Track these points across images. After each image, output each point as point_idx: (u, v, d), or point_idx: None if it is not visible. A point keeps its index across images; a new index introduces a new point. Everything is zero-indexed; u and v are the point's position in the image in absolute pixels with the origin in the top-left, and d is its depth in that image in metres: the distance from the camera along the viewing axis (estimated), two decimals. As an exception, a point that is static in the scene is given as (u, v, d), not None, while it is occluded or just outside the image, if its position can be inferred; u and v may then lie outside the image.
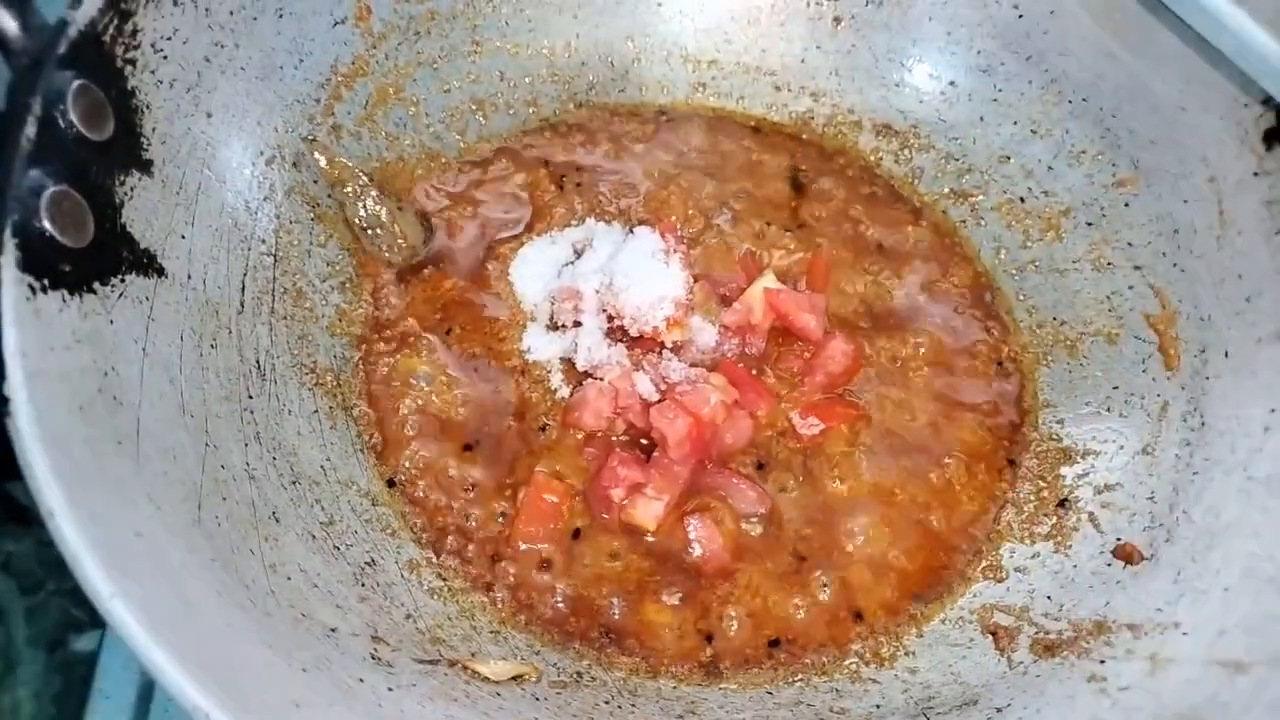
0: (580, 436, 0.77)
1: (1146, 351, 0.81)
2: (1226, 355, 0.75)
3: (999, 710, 0.64)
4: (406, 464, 0.75)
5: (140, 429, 0.59)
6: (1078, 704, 0.62)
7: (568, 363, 0.82)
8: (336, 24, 0.85)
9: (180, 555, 0.55)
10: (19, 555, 1.01)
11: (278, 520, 0.65)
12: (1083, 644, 0.67)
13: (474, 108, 0.94)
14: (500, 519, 0.74)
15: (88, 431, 0.54)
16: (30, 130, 0.58)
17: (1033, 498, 0.78)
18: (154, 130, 0.68)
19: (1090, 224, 0.88)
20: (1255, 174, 0.76)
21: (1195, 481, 0.72)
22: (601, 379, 0.78)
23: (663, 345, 0.80)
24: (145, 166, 0.67)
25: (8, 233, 0.54)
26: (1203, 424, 0.74)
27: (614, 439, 0.77)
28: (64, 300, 0.57)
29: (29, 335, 0.53)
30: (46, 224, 0.57)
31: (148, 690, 0.76)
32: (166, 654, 0.47)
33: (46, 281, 0.56)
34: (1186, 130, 0.81)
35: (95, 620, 0.94)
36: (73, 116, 0.61)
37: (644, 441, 0.77)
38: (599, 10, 0.98)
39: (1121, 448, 0.78)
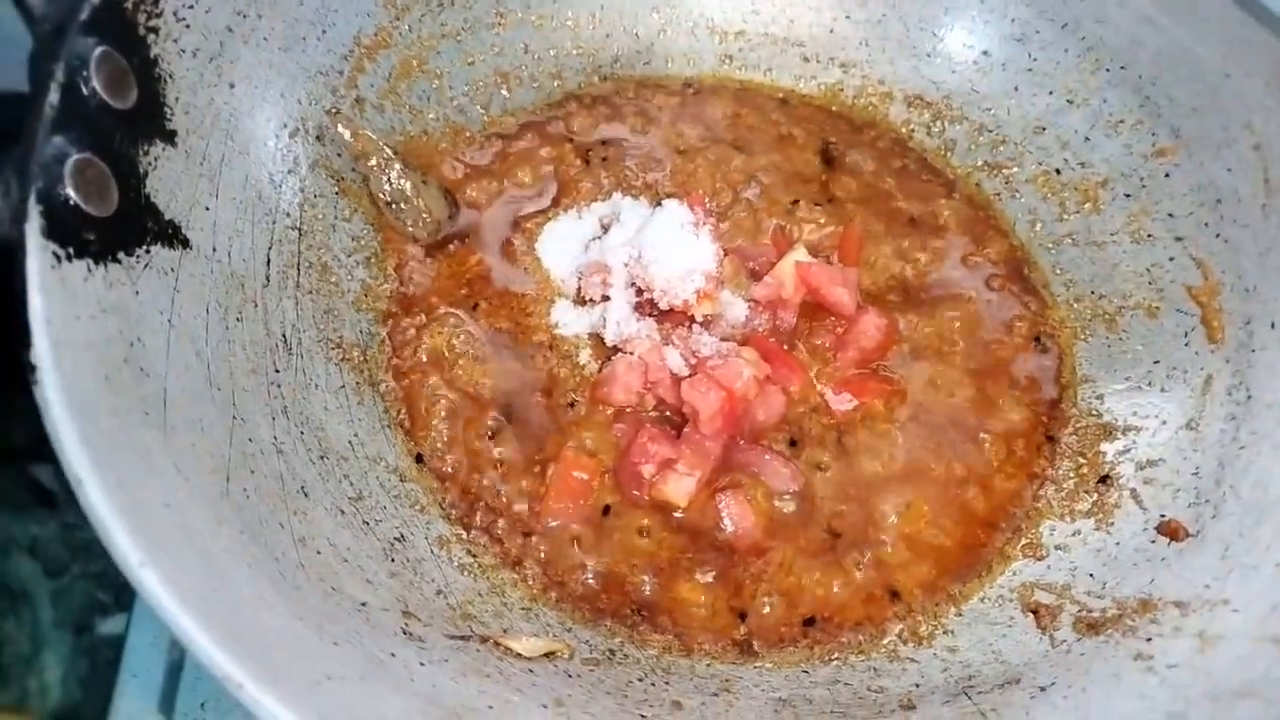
0: (610, 412, 0.76)
1: (1189, 324, 0.79)
2: (1273, 327, 0.73)
3: (1042, 689, 0.62)
4: (434, 440, 0.74)
5: (167, 400, 0.58)
6: (1124, 682, 0.61)
7: (596, 338, 0.80)
8: (360, -6, 0.84)
9: (209, 527, 0.54)
10: (44, 539, 1.01)
11: (306, 494, 0.64)
12: (1128, 622, 0.65)
13: (498, 80, 0.93)
14: (529, 495, 0.73)
15: (114, 401, 0.53)
16: (54, 97, 0.57)
17: (1073, 474, 0.77)
18: (177, 100, 0.67)
19: (1129, 195, 0.86)
20: (1303, 140, 0.74)
21: (1242, 456, 0.70)
22: (631, 353, 0.77)
23: (692, 319, 0.79)
24: (169, 136, 0.66)
25: (32, 199, 0.53)
26: (1249, 397, 0.72)
27: (644, 414, 0.76)
28: (89, 269, 0.56)
29: (54, 303, 0.52)
30: (71, 191, 0.56)
31: (176, 668, 0.75)
32: (197, 623, 0.46)
33: (71, 250, 0.55)
34: (1230, 96, 0.79)
35: (121, 603, 0.94)
36: (96, 84, 0.60)
37: (673, 417, 0.76)
38: (624, -19, 0.96)
39: (1164, 423, 0.76)
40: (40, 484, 1.03)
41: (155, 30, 0.66)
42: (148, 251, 0.62)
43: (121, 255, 0.59)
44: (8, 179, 0.55)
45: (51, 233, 0.53)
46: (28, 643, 0.97)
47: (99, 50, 0.60)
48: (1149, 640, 0.63)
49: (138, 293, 0.59)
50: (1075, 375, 0.82)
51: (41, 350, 0.50)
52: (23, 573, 1.00)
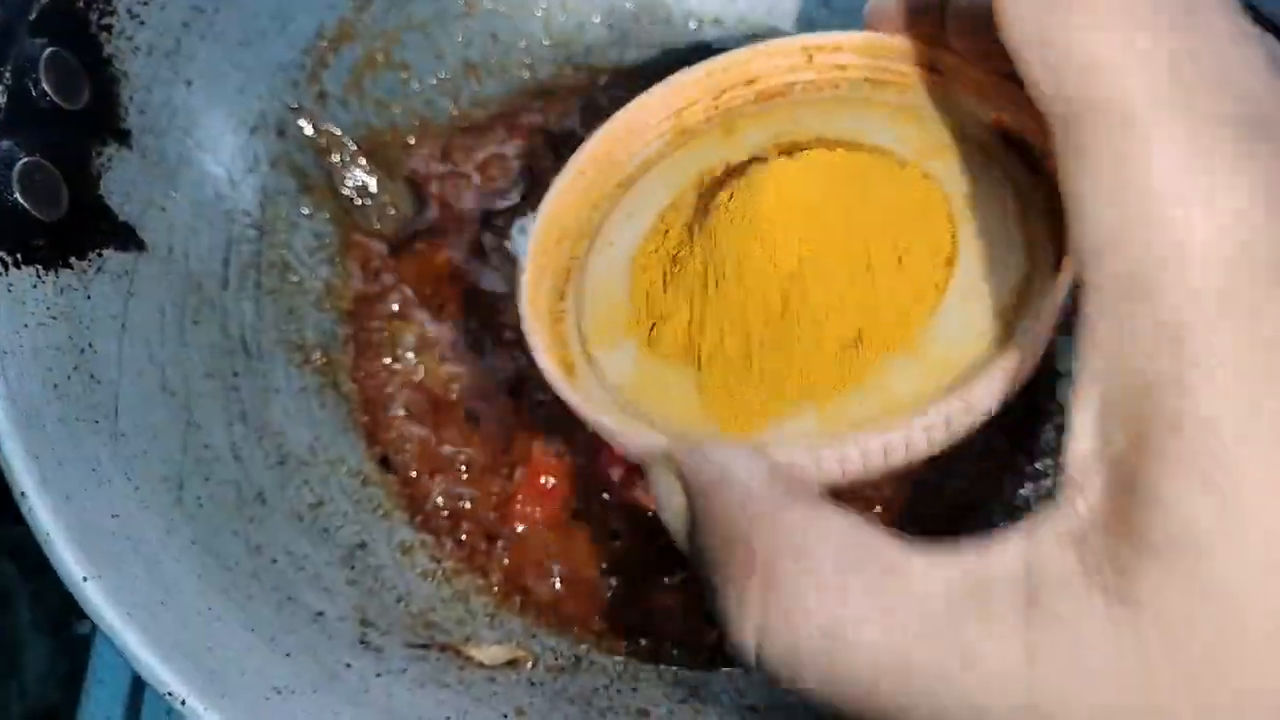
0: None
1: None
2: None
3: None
4: (398, 442, 0.73)
5: (119, 407, 0.57)
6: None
7: (566, 336, 0.79)
8: (322, -14, 0.82)
9: (159, 536, 0.53)
10: (22, 540, 1.01)
11: (264, 501, 0.63)
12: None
13: (467, 72, 0.91)
14: (496, 498, 0.72)
15: (62, 410, 0.53)
16: (0, 100, 0.57)
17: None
18: (131, 99, 0.66)
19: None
20: None
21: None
22: (600, 352, 0.76)
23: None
24: (123, 137, 0.66)
25: (-25, 206, 0.53)
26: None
27: (613, 414, 0.75)
28: (39, 275, 0.56)
29: (1, 312, 0.52)
30: (18, 196, 0.55)
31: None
32: (140, 638, 0.46)
33: (19, 256, 0.55)
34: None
35: (98, 604, 0.94)
36: (45, 85, 0.59)
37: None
38: (597, -31, 0.95)
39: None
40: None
41: (108, 28, 0.65)
42: (100, 255, 0.61)
43: (73, 260, 0.59)
44: (-49, 185, 0.55)
45: (-2, 240, 0.52)
46: (6, 644, 0.97)
47: (49, 51, 0.60)
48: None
49: (89, 298, 0.59)
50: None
51: (-14, 361, 0.50)
52: (1, 573, 1.00)
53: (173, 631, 0.48)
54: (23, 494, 0.49)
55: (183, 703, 0.45)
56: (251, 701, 0.48)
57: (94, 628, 0.81)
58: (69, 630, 0.99)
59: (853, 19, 0.94)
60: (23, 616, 1.00)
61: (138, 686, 0.75)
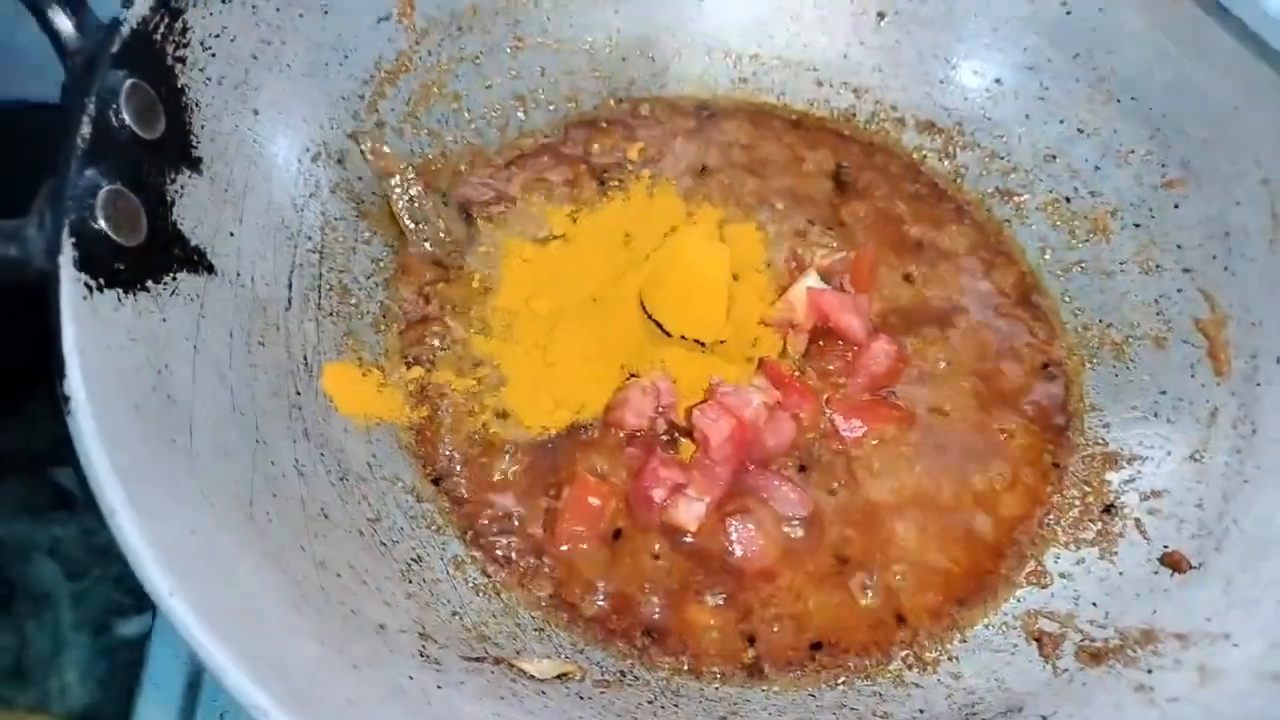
0: (622, 435, 0.77)
1: (1195, 356, 0.80)
2: (1278, 361, 0.74)
3: (1044, 718, 0.63)
4: (449, 462, 0.75)
5: (193, 426, 0.59)
6: (1125, 713, 0.62)
7: (609, 361, 0.81)
8: (380, 20, 0.85)
9: (234, 552, 0.55)
10: (66, 541, 1.02)
11: (327, 516, 0.65)
12: (1129, 652, 0.66)
13: (515, 103, 0.94)
14: (543, 517, 0.74)
15: (144, 429, 0.55)
16: (85, 130, 0.59)
17: (1078, 502, 0.78)
18: (203, 128, 0.69)
19: (1138, 225, 0.87)
20: (1311, 176, 0.75)
21: (1246, 489, 0.71)
22: (642, 378, 0.78)
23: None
24: (195, 164, 0.68)
25: (65, 232, 0.55)
26: (1254, 431, 0.73)
27: (656, 438, 0.77)
28: (119, 299, 0.57)
29: (86, 334, 0.53)
30: (102, 223, 0.57)
31: (196, 679, 0.77)
32: (226, 651, 0.47)
33: (102, 280, 0.56)
34: (1238, 131, 0.80)
35: (141, 605, 0.96)
36: (125, 116, 0.61)
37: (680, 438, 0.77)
38: (640, 5, 0.97)
39: (1169, 453, 0.77)
40: (61, 487, 1.05)
41: (183, 60, 0.67)
42: (174, 279, 0.63)
43: (150, 284, 0.61)
44: (42, 212, 0.57)
45: (84, 264, 0.55)
46: (49, 644, 0.98)
47: (129, 83, 0.62)
48: (1150, 672, 0.64)
49: (165, 320, 0.61)
50: (1083, 404, 0.83)
51: (75, 382, 0.51)
52: (44, 575, 1.01)
53: (253, 644, 0.49)
54: (112, 511, 0.50)
55: (266, 714, 0.46)
56: (328, 712, 0.49)
57: (148, 629, 0.83)
58: (111, 631, 1.00)
59: (886, 56, 0.98)
60: (65, 618, 1.01)
61: (192, 690, 0.77)
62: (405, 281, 0.83)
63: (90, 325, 0.54)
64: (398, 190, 0.81)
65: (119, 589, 1.00)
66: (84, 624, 1.00)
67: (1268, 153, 0.77)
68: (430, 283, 0.83)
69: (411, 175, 0.81)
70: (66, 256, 0.54)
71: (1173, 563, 0.70)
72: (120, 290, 0.58)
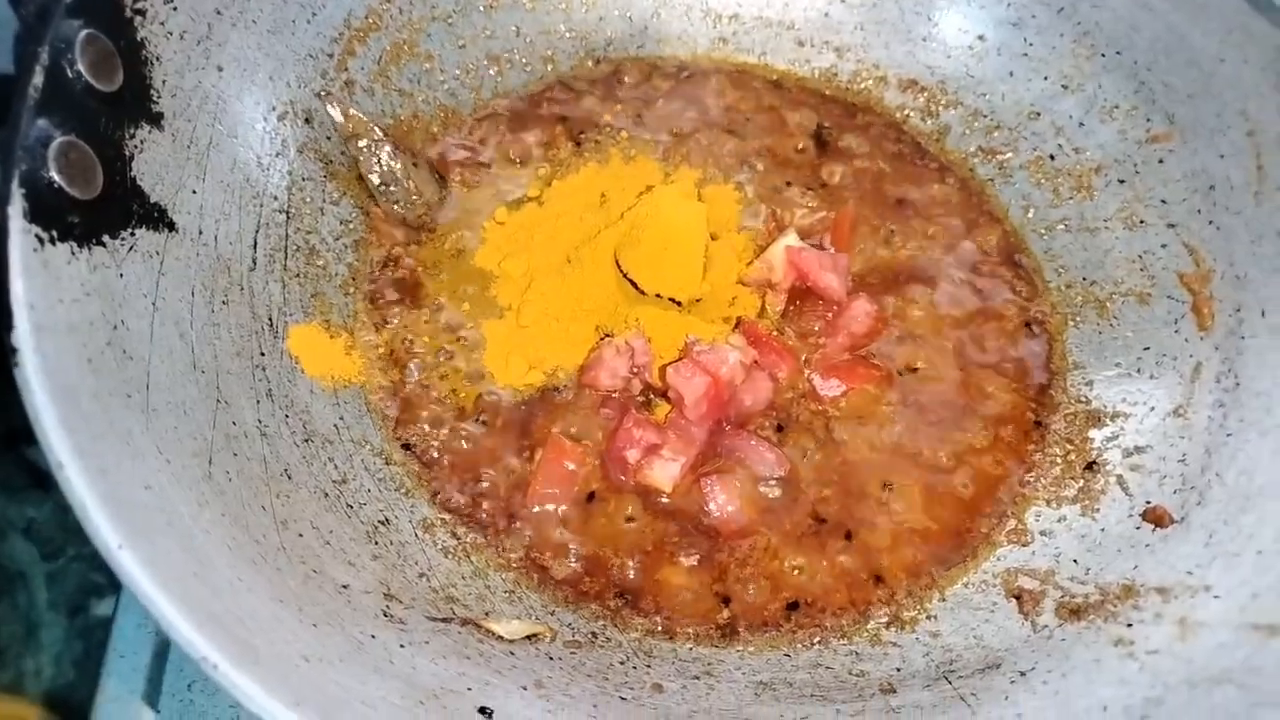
0: (597, 396, 0.76)
1: (1179, 311, 0.78)
2: (1263, 315, 0.73)
3: (1022, 674, 0.62)
4: (420, 424, 0.74)
5: (150, 383, 0.58)
6: (1104, 667, 0.61)
7: (584, 323, 0.80)
8: (350, -23, 0.83)
9: (190, 509, 0.54)
10: (40, 521, 1.01)
11: (289, 477, 0.64)
12: (1109, 608, 0.65)
13: (489, 64, 0.92)
14: (515, 479, 0.73)
15: (97, 384, 0.54)
16: (38, 79, 0.57)
17: (1060, 460, 0.77)
18: (164, 83, 0.67)
19: (1122, 181, 0.85)
20: (1297, 127, 0.73)
21: (1229, 443, 0.70)
22: (616, 338, 0.77)
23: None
24: (155, 119, 0.66)
25: (15, 183, 0.53)
26: (1237, 385, 0.72)
27: (630, 399, 0.76)
28: (72, 252, 0.56)
29: (37, 286, 0.52)
30: (54, 175, 0.56)
31: (163, 650, 0.76)
32: (174, 605, 0.46)
33: (55, 233, 0.55)
34: (1225, 83, 0.78)
35: (115, 584, 0.95)
36: (81, 66, 0.60)
37: (655, 399, 0.76)
38: (618, -37, 0.96)
39: (1152, 409, 0.76)
40: (36, 466, 1.03)
41: (142, 13, 0.66)
42: (133, 234, 0.62)
43: (106, 238, 0.59)
44: (-9, 163, 0.55)
45: (35, 216, 0.53)
46: (23, 624, 0.97)
47: (84, 33, 0.60)
48: (1130, 626, 0.63)
49: (122, 276, 0.60)
50: (1065, 361, 0.82)
51: (23, 334, 0.50)
52: (18, 555, 1.00)
53: (205, 600, 0.49)
54: (60, 464, 0.49)
55: (215, 668, 0.46)
56: (281, 669, 0.48)
57: (115, 606, 0.83)
58: (86, 611, 0.99)
59: (868, 14, 0.96)
60: (40, 597, 1.00)
61: (158, 661, 0.76)
62: (375, 243, 0.81)
63: (41, 277, 0.53)
64: (366, 151, 0.79)
65: (94, 568, 0.99)
66: (59, 604, 1.00)
67: (1254, 105, 0.76)
68: (401, 244, 0.82)
69: (379, 136, 0.79)
70: (16, 207, 0.53)
71: (1155, 518, 0.69)
72: (74, 243, 0.57)
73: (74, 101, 0.59)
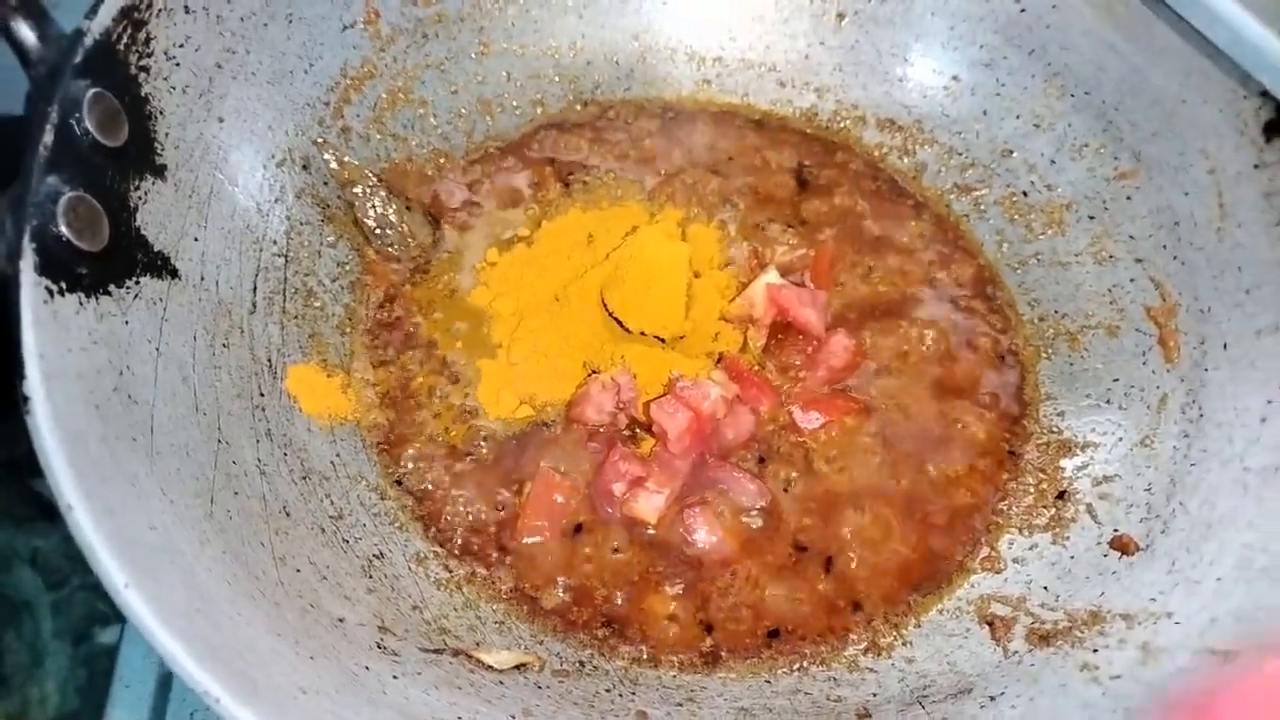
0: (585, 431, 0.79)
1: (1147, 344, 0.81)
2: (1225, 347, 0.76)
3: (992, 699, 0.65)
4: (413, 460, 0.77)
5: (154, 426, 0.61)
6: (1070, 692, 0.63)
7: (572, 359, 0.83)
8: (346, 28, 0.87)
9: (192, 548, 0.56)
10: (46, 551, 1.03)
11: (288, 514, 0.67)
12: (1077, 634, 0.68)
13: (481, 108, 0.96)
14: (505, 513, 0.75)
15: (104, 429, 0.56)
16: (48, 138, 0.60)
17: (1032, 489, 0.79)
18: (167, 136, 0.70)
19: (1092, 217, 0.88)
20: (1255, 166, 0.76)
21: (1192, 473, 0.73)
22: (603, 374, 0.80)
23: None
24: (159, 171, 0.69)
25: (26, 238, 0.56)
26: (1201, 415, 0.75)
27: (617, 433, 0.79)
28: (80, 302, 0.59)
29: (47, 336, 0.55)
30: (63, 229, 0.59)
31: (167, 679, 0.78)
32: (177, 641, 0.49)
33: (64, 284, 0.58)
34: (1187, 123, 0.81)
35: (119, 614, 0.96)
36: (88, 124, 0.63)
37: (640, 433, 0.79)
38: (604, 9, 0.99)
39: (1120, 439, 0.78)
40: (42, 497, 1.05)
41: (146, 69, 0.69)
42: (137, 283, 0.65)
43: (112, 288, 0.62)
44: (2, 218, 0.58)
45: (45, 269, 0.56)
46: (29, 653, 0.99)
47: (91, 92, 0.63)
48: (1095, 651, 0.65)
49: (127, 323, 0.62)
50: (1038, 392, 0.84)
51: (34, 383, 0.53)
52: (24, 584, 1.02)
53: (207, 635, 0.51)
54: (69, 507, 0.51)
55: (217, 701, 0.48)
56: (279, 701, 0.51)
57: (120, 635, 0.85)
58: (90, 640, 1.01)
59: (846, 56, 0.99)
60: (45, 626, 1.02)
61: (162, 690, 0.78)
62: (371, 284, 0.84)
63: (51, 328, 0.56)
64: (361, 197, 0.82)
65: (98, 597, 1.01)
66: (64, 632, 1.01)
67: (1213, 144, 0.79)
68: (396, 285, 0.85)
69: (374, 182, 0.82)
70: (27, 261, 0.56)
71: (1121, 545, 0.72)
72: (82, 294, 0.59)
73: (82, 158, 0.62)
